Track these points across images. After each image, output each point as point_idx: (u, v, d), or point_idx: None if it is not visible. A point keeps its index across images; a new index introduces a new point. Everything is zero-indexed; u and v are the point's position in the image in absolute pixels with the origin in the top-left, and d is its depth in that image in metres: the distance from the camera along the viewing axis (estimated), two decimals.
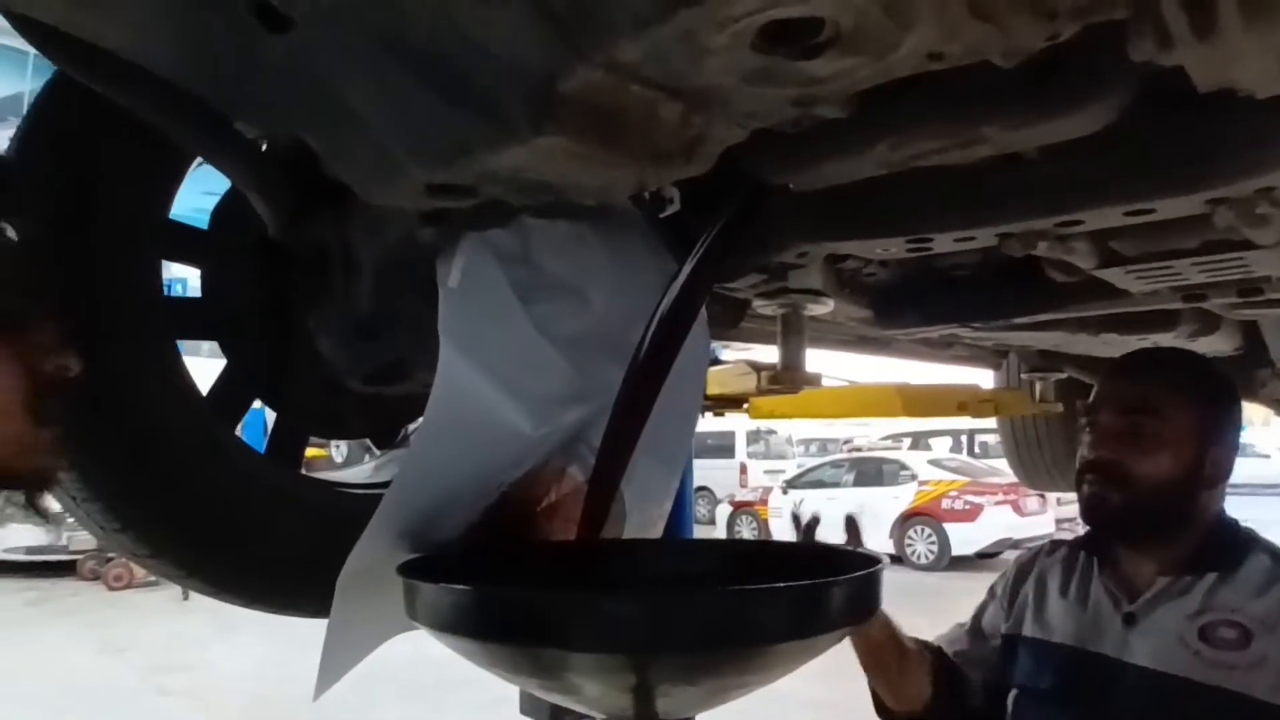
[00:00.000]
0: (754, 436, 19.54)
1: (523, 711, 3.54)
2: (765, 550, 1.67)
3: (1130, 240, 1.38)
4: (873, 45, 0.54)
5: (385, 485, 1.52)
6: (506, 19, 0.54)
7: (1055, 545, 1.60)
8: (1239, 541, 1.41)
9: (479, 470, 1.18)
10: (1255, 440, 23.27)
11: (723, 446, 18.59)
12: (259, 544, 1.30)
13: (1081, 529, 1.53)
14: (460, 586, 0.92)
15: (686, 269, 1.14)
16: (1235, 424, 1.48)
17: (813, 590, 0.93)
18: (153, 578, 12.47)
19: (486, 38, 0.57)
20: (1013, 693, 1.49)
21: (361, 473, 1.65)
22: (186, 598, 10.78)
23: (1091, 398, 1.50)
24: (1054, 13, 0.51)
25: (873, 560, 1.04)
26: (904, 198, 1.11)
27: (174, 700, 7.09)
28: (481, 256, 1.10)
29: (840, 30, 0.52)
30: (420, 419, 1.61)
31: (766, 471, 18.62)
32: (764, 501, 15.33)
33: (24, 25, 0.79)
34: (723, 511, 16.12)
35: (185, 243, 1.39)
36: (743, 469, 18.77)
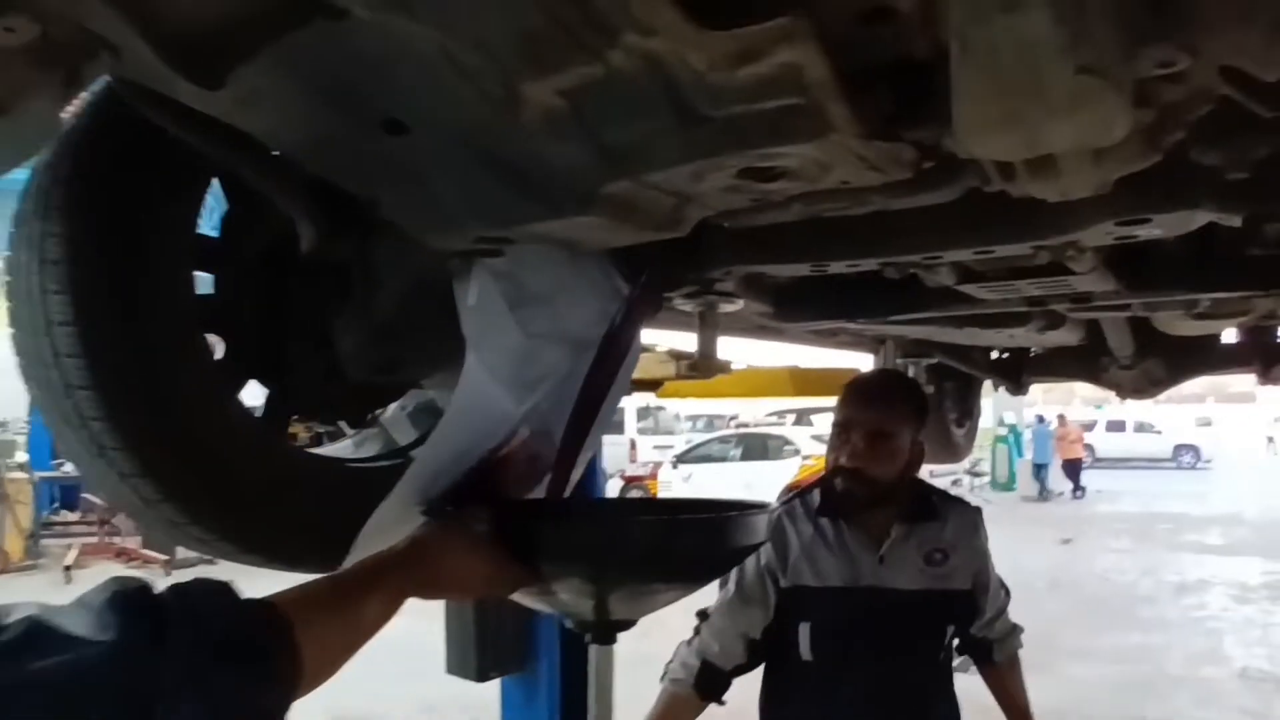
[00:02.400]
0: (643, 413, 19.80)
1: (449, 670, 3.82)
2: (679, 504, 2.08)
3: (982, 265, 1.76)
4: (809, 177, 0.86)
5: (369, 459, 1.82)
6: (574, 150, 0.84)
7: (789, 516, 2.18)
8: (929, 496, 2.18)
9: (477, 443, 1.48)
10: (1153, 419, 24.80)
11: (612, 423, 18.81)
12: (280, 509, 1.55)
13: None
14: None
15: (636, 290, 1.47)
16: (927, 413, 2.27)
17: (712, 522, 1.33)
18: (29, 561, 12.10)
19: (557, 159, 0.86)
20: (804, 626, 2.08)
21: (344, 448, 1.92)
22: (69, 581, 10.55)
23: (839, 415, 2.12)
24: (914, 164, 0.85)
25: (760, 506, 1.48)
26: (812, 237, 1.44)
27: None
28: (482, 274, 1.40)
29: (789, 169, 0.84)
30: (388, 405, 1.92)
31: (656, 447, 18.93)
32: (654, 476, 15.67)
33: (154, 100, 1.03)
34: (614, 486, 16.45)
35: (205, 252, 1.63)
36: (632, 445, 19.00)
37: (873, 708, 2.05)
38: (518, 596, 1.54)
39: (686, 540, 1.43)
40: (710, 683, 2.16)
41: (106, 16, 0.81)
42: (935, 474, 15.25)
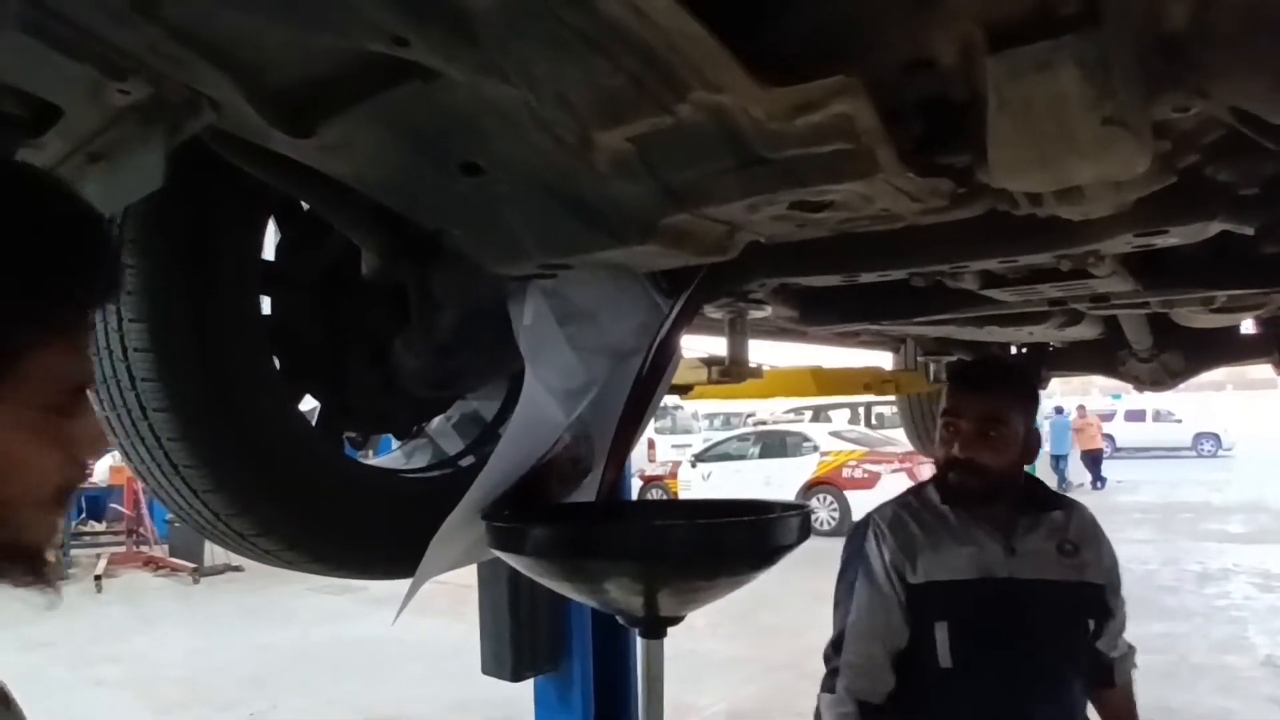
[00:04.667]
0: (661, 412, 19.87)
1: (484, 671, 3.91)
2: (717, 505, 2.14)
3: (1005, 271, 1.83)
4: (854, 208, 0.94)
5: (422, 470, 1.91)
6: (640, 188, 0.92)
7: (908, 509, 2.07)
8: (1044, 488, 2.13)
9: (530, 452, 1.57)
10: (1172, 408, 24.63)
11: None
12: (346, 520, 1.64)
13: None
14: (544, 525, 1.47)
15: (679, 304, 1.56)
16: (1038, 402, 2.19)
17: (754, 524, 1.41)
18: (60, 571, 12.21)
19: (623, 196, 0.94)
20: (941, 626, 1.94)
21: (396, 459, 2.01)
22: (100, 590, 10.70)
23: (947, 405, 2.04)
24: (950, 195, 0.93)
25: (801, 508, 1.55)
26: (844, 249, 1.52)
27: (111, 691, 7.07)
28: (534, 294, 1.49)
29: (836, 202, 0.92)
30: (433, 420, 2.01)
31: (674, 446, 19.00)
32: (673, 475, 15.69)
33: (242, 148, 1.12)
34: (633, 486, 16.47)
35: (264, 275, 1.72)
36: (650, 444, 19.02)
37: (1015, 705, 1.91)
38: (570, 593, 1.64)
39: (732, 540, 1.53)
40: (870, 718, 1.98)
41: (215, 79, 0.90)
42: None
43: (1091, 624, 1.99)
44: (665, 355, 1.60)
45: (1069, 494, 2.47)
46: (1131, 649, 2.14)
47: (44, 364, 0.66)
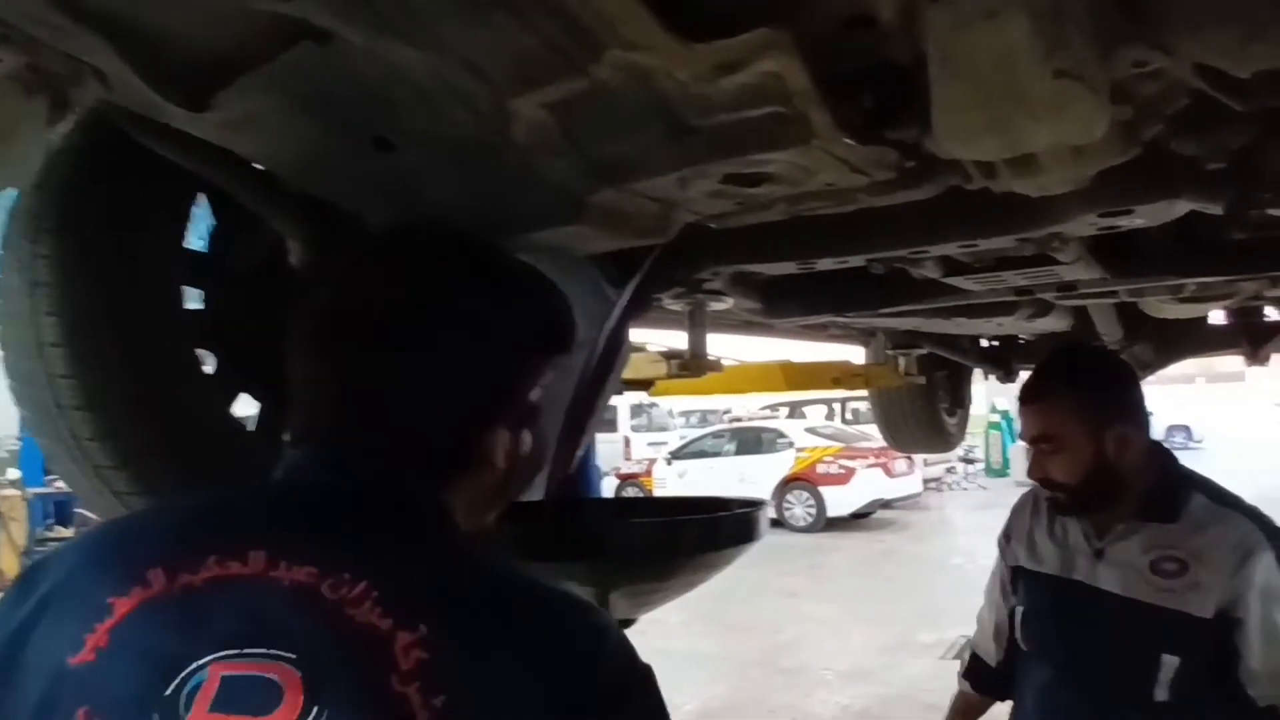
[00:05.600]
0: (637, 410, 19.77)
1: None
2: (671, 503, 2.09)
3: (968, 257, 1.77)
4: (793, 181, 0.87)
5: None
6: (563, 164, 0.85)
7: (1035, 494, 1.97)
8: (1177, 492, 1.77)
9: None
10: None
11: (606, 420, 18.75)
12: None
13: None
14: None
15: (628, 292, 1.48)
16: (1123, 401, 1.81)
17: (711, 521, 1.36)
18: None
19: (547, 170, 0.87)
20: (1019, 610, 1.90)
21: None
22: None
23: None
24: (896, 166, 0.86)
25: (755, 504, 1.49)
26: (797, 235, 1.46)
27: None
28: None
29: (773, 174, 0.85)
30: None
31: (650, 444, 18.89)
32: (648, 473, 15.64)
33: (141, 123, 1.04)
34: (609, 484, 16.40)
35: (194, 267, 1.63)
36: (626, 442, 18.97)
37: (1068, 709, 1.79)
38: None
39: (688, 539, 1.46)
40: (980, 677, 2.07)
41: (94, 46, 0.82)
42: (929, 462, 15.41)
43: (1175, 662, 1.66)
44: (614, 347, 1.53)
45: None
46: None
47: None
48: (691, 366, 2.27)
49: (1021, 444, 1.98)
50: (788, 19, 0.68)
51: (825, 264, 1.60)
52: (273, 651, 0.68)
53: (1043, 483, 1.80)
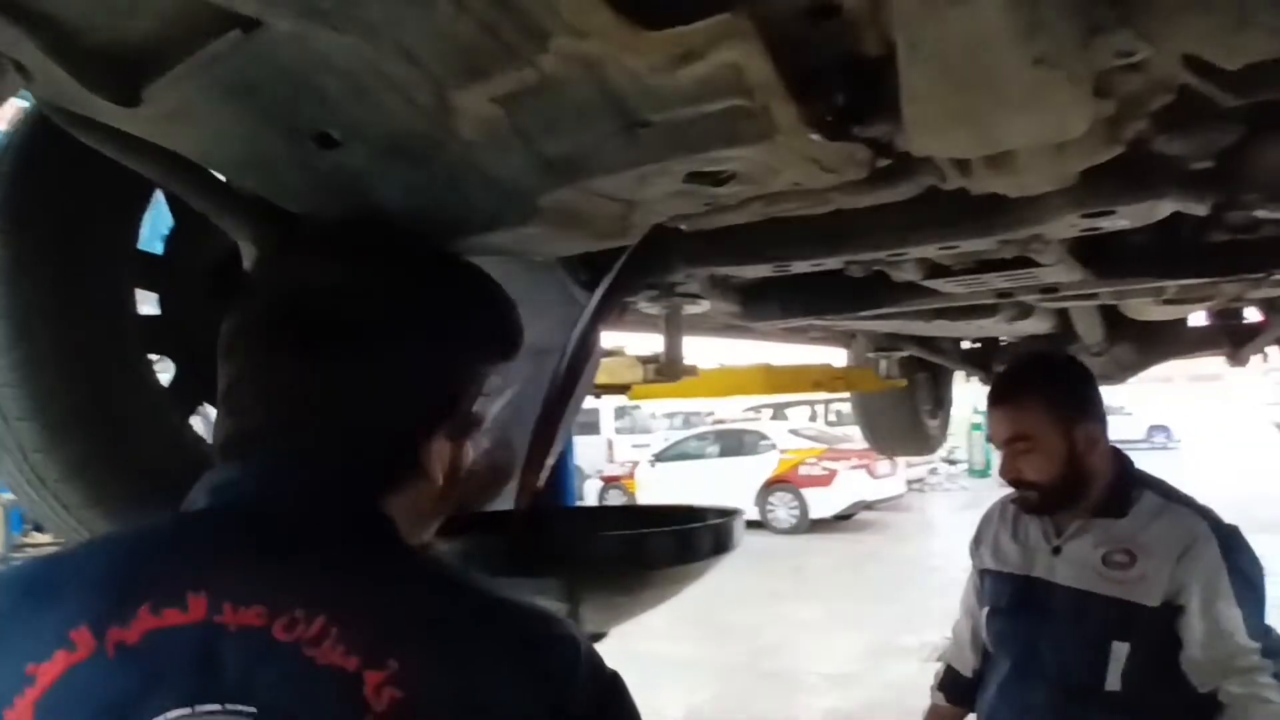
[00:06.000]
0: (620, 412, 19.75)
1: None
2: (642, 511, 2.05)
3: (948, 259, 1.73)
4: (759, 180, 0.82)
5: None
6: (514, 162, 0.80)
7: (1004, 502, 2.08)
8: (1129, 489, 1.89)
9: None
10: (1123, 402, 25.13)
11: (589, 423, 18.71)
12: None
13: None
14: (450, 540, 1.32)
15: (598, 296, 1.43)
16: (1088, 400, 1.93)
17: (682, 533, 1.32)
18: None
19: (497, 169, 0.82)
20: (985, 610, 2.00)
21: None
22: None
23: (988, 426, 1.99)
24: (867, 164, 0.82)
25: (730, 513, 1.45)
26: (771, 236, 1.41)
27: None
28: None
29: (737, 173, 0.80)
30: None
31: (634, 446, 18.85)
32: (631, 476, 15.60)
33: (77, 120, 0.98)
34: (592, 487, 16.34)
35: (148, 270, 1.57)
36: (609, 445, 18.94)
37: (1027, 707, 1.87)
38: None
39: (660, 551, 1.41)
40: (955, 688, 2.11)
41: (10, 35, 0.76)
42: (912, 464, 15.41)
43: (1124, 648, 1.75)
44: (583, 353, 1.48)
45: None
46: (1270, 702, 1.68)
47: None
48: (667, 371, 2.23)
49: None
50: (748, 6, 0.63)
51: (801, 266, 1.56)
52: (229, 707, 0.61)
53: (1015, 483, 1.88)
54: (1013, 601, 1.93)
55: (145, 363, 1.47)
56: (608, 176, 0.80)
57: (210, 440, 1.63)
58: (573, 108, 0.72)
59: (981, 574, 2.04)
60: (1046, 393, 1.88)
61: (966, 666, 2.10)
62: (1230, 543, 1.79)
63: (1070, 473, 1.83)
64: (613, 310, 1.48)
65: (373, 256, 0.85)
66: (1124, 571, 1.79)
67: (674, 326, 2.20)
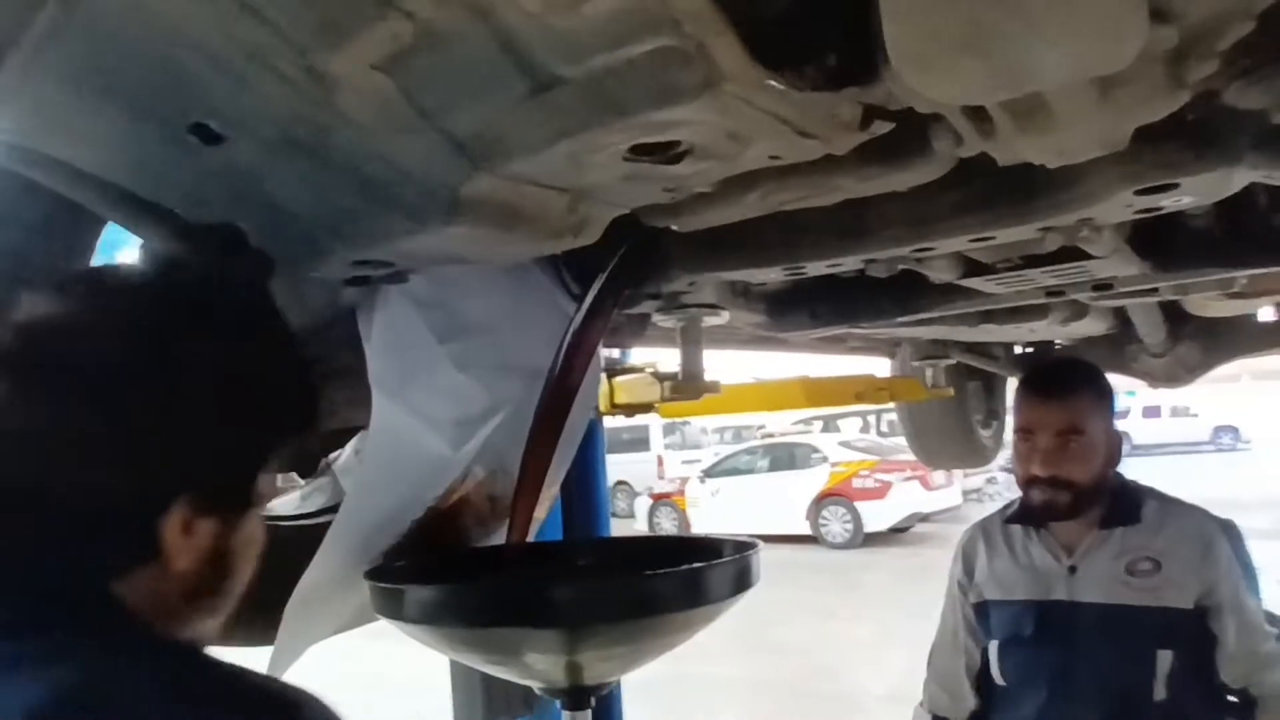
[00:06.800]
0: (669, 428, 19.62)
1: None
2: (656, 543, 1.87)
3: (986, 255, 1.54)
4: (722, 155, 0.66)
5: (310, 515, 1.64)
6: (420, 145, 0.65)
7: (984, 526, 2.02)
8: (1135, 497, 1.88)
9: (410, 493, 1.31)
10: (1188, 402, 24.34)
11: (638, 440, 18.63)
12: None
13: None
14: (436, 586, 1.18)
15: (585, 306, 1.28)
16: (1114, 405, 1.94)
17: (694, 572, 1.12)
18: None
19: (403, 157, 0.67)
20: (993, 644, 1.88)
21: (290, 502, 1.73)
22: None
23: (1020, 419, 1.88)
24: (856, 125, 0.65)
25: (747, 546, 1.26)
26: (777, 234, 1.24)
27: None
28: (401, 305, 1.22)
29: (694, 146, 0.64)
30: (340, 451, 1.73)
31: (684, 462, 18.69)
32: (681, 492, 15.44)
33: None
34: (642, 504, 16.20)
35: None
36: (659, 461, 18.81)
37: None
38: (474, 664, 1.37)
39: (661, 595, 1.23)
40: None
41: None
42: (969, 474, 14.98)
43: (1170, 656, 1.72)
44: (575, 366, 1.32)
45: None
46: None
47: None
48: (684, 389, 2.06)
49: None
50: None
51: (817, 268, 1.38)
52: None
53: (1050, 481, 1.79)
54: (1038, 629, 1.83)
55: None
56: (530, 157, 0.64)
57: None
58: (467, 68, 0.57)
59: (979, 606, 1.93)
60: (1096, 389, 1.89)
61: (962, 710, 1.97)
62: (1234, 536, 1.84)
63: (1102, 475, 1.82)
64: (603, 322, 1.32)
65: (122, 292, 0.73)
66: (1152, 578, 1.76)
67: (691, 340, 2.02)
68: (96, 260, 1.39)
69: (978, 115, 0.66)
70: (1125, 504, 1.86)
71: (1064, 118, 0.64)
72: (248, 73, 0.60)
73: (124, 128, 0.73)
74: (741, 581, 1.28)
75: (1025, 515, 1.90)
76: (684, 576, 1.24)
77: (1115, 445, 1.85)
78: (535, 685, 1.30)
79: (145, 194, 0.83)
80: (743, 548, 1.35)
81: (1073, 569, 1.81)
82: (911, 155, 0.87)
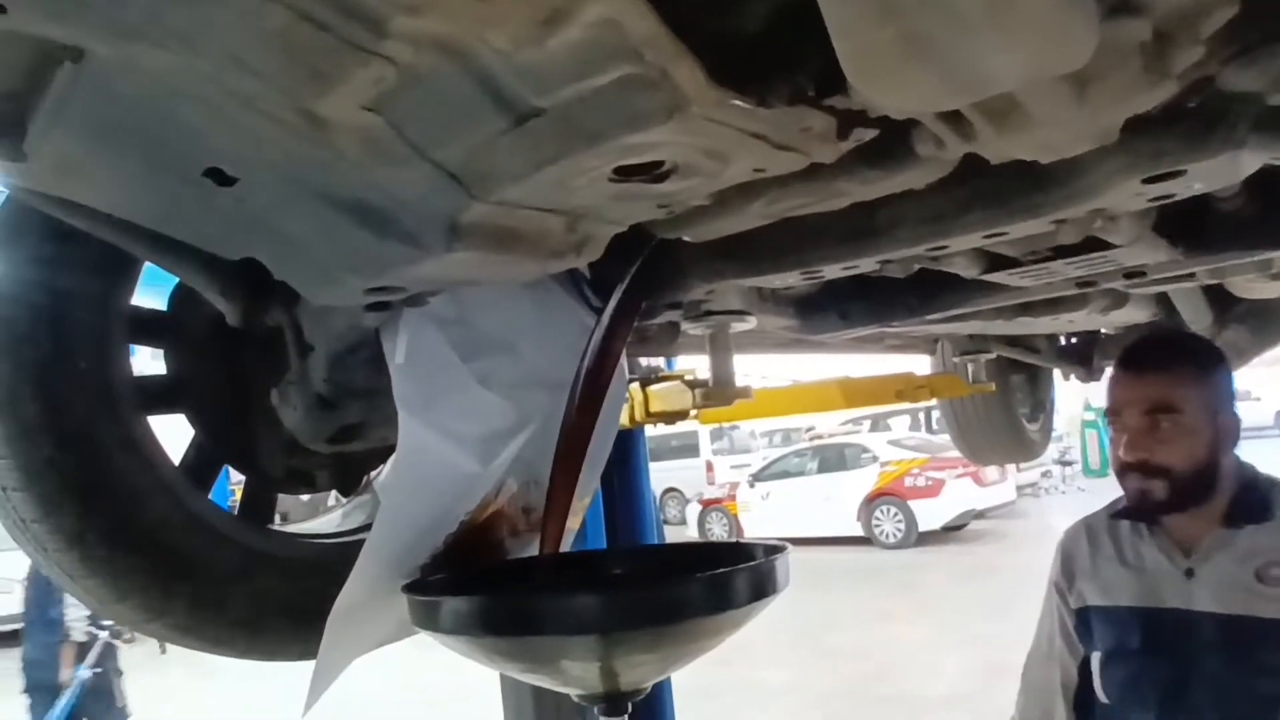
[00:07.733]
0: (717, 434, 19.59)
1: None
2: (685, 550, 1.85)
3: (1011, 249, 1.53)
4: (706, 171, 0.68)
5: (351, 532, 1.68)
6: (415, 177, 0.67)
7: (1088, 523, 1.81)
8: (1266, 491, 1.63)
9: (441, 510, 1.34)
10: (1249, 387, 23.76)
11: (687, 446, 18.62)
12: (239, 598, 1.41)
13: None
14: (471, 597, 1.18)
15: (604, 318, 1.30)
16: (1232, 390, 1.70)
17: (723, 576, 1.12)
18: (129, 634, 12.33)
19: (400, 189, 0.70)
20: (1096, 656, 1.68)
21: (331, 520, 1.77)
22: (164, 651, 10.68)
23: (1111, 401, 1.68)
24: (832, 134, 0.66)
25: (776, 550, 1.27)
26: (789, 239, 1.25)
27: None
28: (423, 325, 1.25)
29: (676, 165, 0.66)
30: (381, 468, 1.77)
31: (733, 467, 18.65)
32: (732, 497, 15.41)
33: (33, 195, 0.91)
34: (693, 510, 16.19)
35: (149, 326, 1.50)
36: (709, 467, 18.79)
37: None
38: (512, 673, 1.39)
39: (706, 595, 1.25)
40: None
41: None
42: (1022, 468, 14.75)
43: None
44: (600, 375, 1.34)
45: None
46: None
47: None
48: (715, 396, 2.07)
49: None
50: None
51: (833, 271, 1.39)
52: None
53: (1141, 467, 1.58)
54: (1147, 640, 1.61)
55: (145, 426, 1.40)
56: (518, 183, 0.66)
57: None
58: (449, 104, 0.59)
59: (1082, 612, 1.72)
60: (1201, 366, 1.64)
61: None
62: None
63: (1206, 465, 1.57)
64: (624, 332, 1.34)
65: None
66: None
67: (720, 346, 2.04)
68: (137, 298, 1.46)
69: (953, 119, 0.67)
70: (1255, 499, 1.62)
71: (1041, 116, 0.64)
72: (245, 119, 0.63)
73: (143, 175, 0.77)
74: (768, 585, 1.28)
75: (1129, 509, 1.68)
76: (706, 582, 1.25)
77: (1228, 430, 1.61)
78: (573, 693, 1.32)
79: (171, 234, 0.87)
80: (771, 552, 1.36)
81: (1190, 572, 1.59)
82: (909, 157, 0.87)
